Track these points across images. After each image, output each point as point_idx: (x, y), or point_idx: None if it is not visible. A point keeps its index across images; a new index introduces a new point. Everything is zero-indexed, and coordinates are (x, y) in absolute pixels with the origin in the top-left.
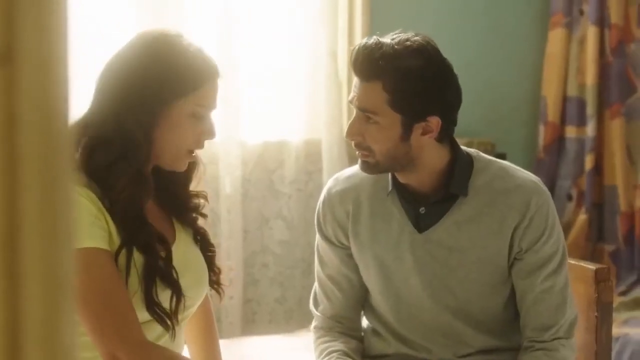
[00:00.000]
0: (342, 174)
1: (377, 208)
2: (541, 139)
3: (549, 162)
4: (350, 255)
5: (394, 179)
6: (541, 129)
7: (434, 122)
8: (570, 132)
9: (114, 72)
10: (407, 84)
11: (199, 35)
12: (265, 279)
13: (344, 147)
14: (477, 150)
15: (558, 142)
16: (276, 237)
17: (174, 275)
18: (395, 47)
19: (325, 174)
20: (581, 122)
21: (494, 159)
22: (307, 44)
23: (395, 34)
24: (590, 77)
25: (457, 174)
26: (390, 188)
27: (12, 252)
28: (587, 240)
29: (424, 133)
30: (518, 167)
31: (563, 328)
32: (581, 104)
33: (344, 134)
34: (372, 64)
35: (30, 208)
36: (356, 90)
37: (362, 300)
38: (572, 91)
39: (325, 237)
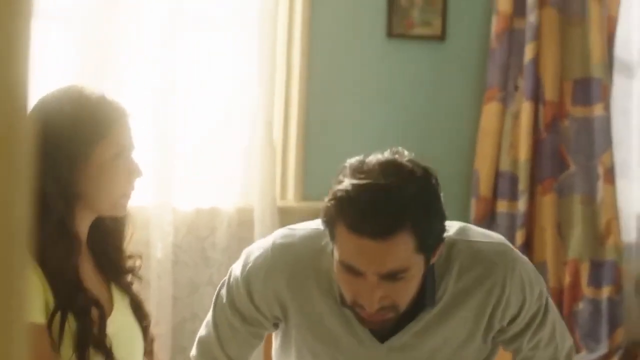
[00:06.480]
0: (278, 255)
1: (328, 309)
2: (473, 213)
3: None
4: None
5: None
6: (473, 202)
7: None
8: (502, 206)
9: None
10: (431, 216)
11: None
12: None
13: (276, 215)
14: None
15: (489, 217)
16: (206, 304)
17: (107, 343)
18: (404, 180)
19: None
20: (513, 197)
21: (451, 239)
22: (242, 111)
23: (367, 165)
24: (524, 152)
25: (427, 287)
26: (340, 299)
27: None
28: None
29: (434, 257)
30: (478, 233)
31: None
32: (513, 179)
33: (277, 202)
34: (396, 213)
35: None
36: (369, 255)
37: None
38: (504, 166)
39: (247, 312)
